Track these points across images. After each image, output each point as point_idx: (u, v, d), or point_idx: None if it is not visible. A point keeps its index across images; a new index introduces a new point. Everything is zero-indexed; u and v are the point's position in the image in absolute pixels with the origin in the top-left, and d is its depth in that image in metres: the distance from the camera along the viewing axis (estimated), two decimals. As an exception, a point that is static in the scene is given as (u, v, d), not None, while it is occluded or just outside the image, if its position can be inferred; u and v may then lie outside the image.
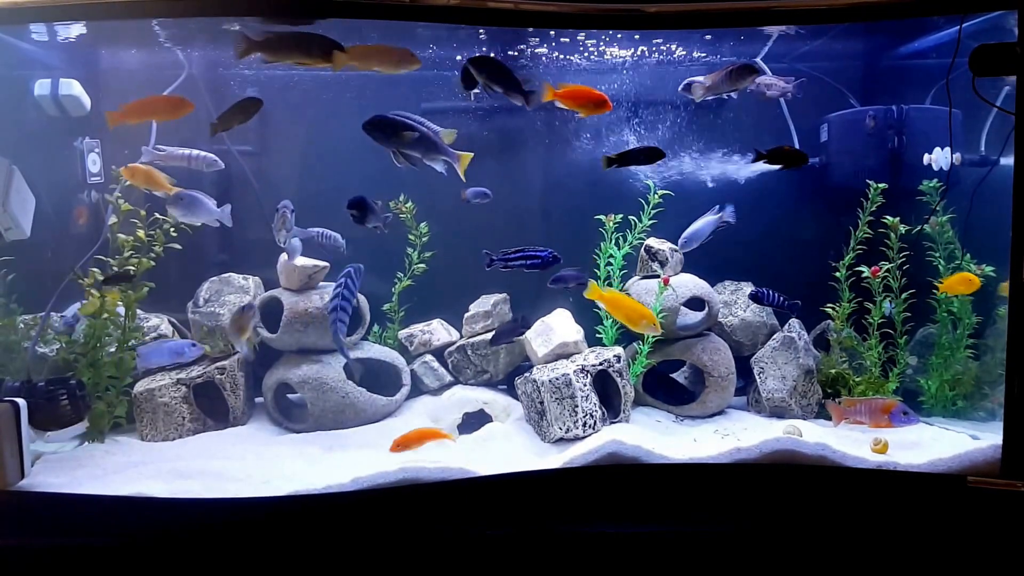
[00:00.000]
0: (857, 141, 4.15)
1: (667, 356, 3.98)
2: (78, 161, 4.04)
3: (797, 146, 4.33)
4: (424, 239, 4.29)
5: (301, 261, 3.92)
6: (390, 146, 3.24)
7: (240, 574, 2.99)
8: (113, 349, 3.69)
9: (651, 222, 4.05)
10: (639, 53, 4.18)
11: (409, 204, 4.24)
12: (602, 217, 4.11)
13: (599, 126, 4.35)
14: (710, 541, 3.03)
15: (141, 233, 3.71)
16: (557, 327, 3.91)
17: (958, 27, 3.16)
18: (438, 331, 4.30)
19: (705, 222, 3.79)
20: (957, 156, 3.80)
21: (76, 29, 3.65)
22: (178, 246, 3.76)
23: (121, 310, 3.71)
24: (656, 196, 4.00)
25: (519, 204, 4.42)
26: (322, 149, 4.42)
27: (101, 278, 3.57)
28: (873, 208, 3.92)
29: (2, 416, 2.94)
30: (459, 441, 3.68)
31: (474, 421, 3.95)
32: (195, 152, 3.76)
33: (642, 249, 4.15)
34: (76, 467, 3.22)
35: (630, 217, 4.09)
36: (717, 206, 3.80)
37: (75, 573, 2.96)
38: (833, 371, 3.90)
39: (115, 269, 3.67)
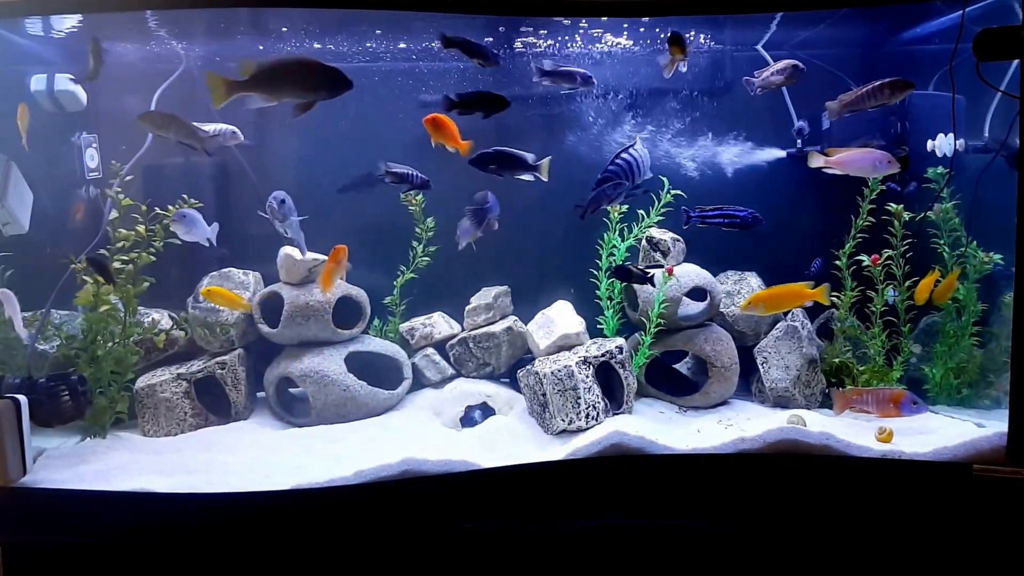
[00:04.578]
0: (859, 128, 4.11)
1: (669, 347, 3.96)
2: (76, 156, 4.01)
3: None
4: (430, 234, 4.26)
5: (298, 255, 3.90)
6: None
7: (243, 568, 2.99)
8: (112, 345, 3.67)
9: (659, 218, 4.02)
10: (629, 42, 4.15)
11: (420, 197, 4.21)
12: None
13: (602, 115, 4.31)
14: (713, 532, 3.03)
15: (141, 228, 3.69)
16: (558, 319, 3.90)
17: (961, 11, 3.13)
18: (439, 324, 4.28)
19: None
20: (961, 142, 3.77)
21: (71, 22, 3.62)
22: (177, 241, 3.74)
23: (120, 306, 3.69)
24: (668, 195, 3.96)
25: (522, 193, 4.38)
26: (325, 143, 4.39)
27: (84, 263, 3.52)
28: (873, 196, 3.90)
29: (3, 413, 2.93)
30: (462, 434, 3.68)
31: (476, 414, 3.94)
32: (219, 127, 3.72)
33: (644, 239, 4.12)
34: (78, 463, 3.22)
35: (638, 211, 4.06)
36: None
37: (78, 569, 2.96)
38: (837, 360, 3.88)
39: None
